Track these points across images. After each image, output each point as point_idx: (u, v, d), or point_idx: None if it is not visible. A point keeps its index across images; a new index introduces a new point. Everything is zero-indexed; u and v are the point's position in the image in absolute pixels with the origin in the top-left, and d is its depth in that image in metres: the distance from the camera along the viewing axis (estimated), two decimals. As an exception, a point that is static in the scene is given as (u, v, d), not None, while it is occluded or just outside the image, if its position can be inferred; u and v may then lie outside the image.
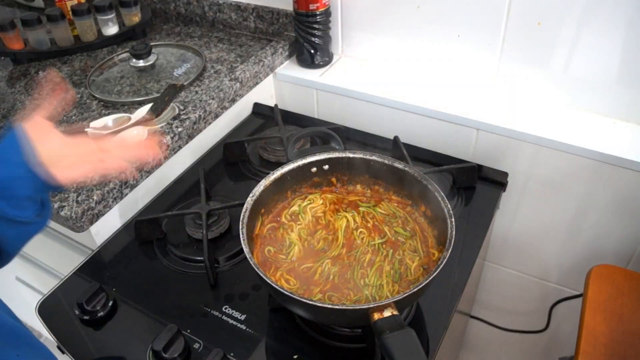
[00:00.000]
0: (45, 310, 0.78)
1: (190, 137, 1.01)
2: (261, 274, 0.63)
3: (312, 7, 1.08)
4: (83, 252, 0.98)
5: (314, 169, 0.83)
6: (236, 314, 0.75)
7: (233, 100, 1.10)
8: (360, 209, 0.81)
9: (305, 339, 0.73)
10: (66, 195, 0.84)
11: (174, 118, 1.00)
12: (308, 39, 1.14)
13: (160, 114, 1.02)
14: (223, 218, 0.88)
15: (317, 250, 0.76)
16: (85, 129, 0.99)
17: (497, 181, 0.97)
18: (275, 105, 1.14)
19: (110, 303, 0.77)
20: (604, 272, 0.90)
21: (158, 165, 0.95)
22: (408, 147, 0.99)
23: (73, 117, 1.06)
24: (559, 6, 0.89)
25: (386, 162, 0.80)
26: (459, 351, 1.51)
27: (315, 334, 0.73)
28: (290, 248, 0.76)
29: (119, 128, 0.98)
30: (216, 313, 0.76)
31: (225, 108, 1.09)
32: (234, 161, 1.05)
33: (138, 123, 0.99)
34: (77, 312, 0.75)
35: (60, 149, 0.58)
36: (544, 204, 1.04)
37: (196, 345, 0.71)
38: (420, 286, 0.61)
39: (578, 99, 0.98)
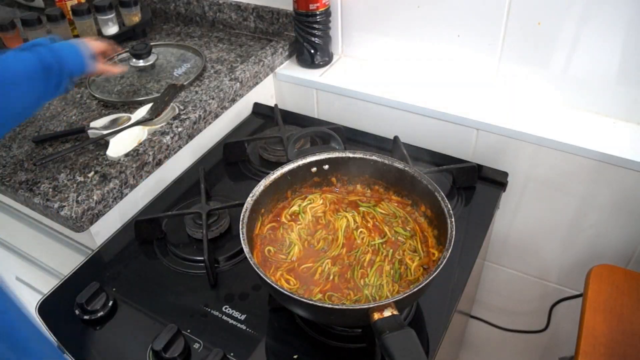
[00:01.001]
0: (45, 310, 0.78)
1: (190, 137, 1.01)
2: (261, 274, 0.63)
3: (312, 7, 1.08)
4: (83, 252, 0.98)
5: (314, 169, 0.83)
6: (236, 314, 0.75)
7: (233, 100, 1.10)
8: (360, 209, 0.81)
9: (305, 339, 0.73)
10: (66, 195, 0.84)
11: (174, 118, 1.00)
12: (308, 39, 1.14)
13: (160, 114, 1.02)
14: (223, 218, 0.88)
15: (317, 250, 0.76)
16: (86, 129, 0.99)
17: (497, 181, 0.97)
18: (275, 105, 1.14)
19: (110, 303, 0.77)
20: (604, 272, 0.90)
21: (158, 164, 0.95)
22: (408, 147, 0.99)
23: (73, 117, 1.06)
24: (559, 6, 0.89)
25: (386, 162, 0.80)
26: (459, 351, 1.51)
27: (315, 334, 0.73)
28: (290, 248, 0.76)
29: (119, 128, 0.98)
30: (216, 313, 0.76)
31: (225, 108, 1.09)
32: (234, 161, 1.05)
33: (138, 123, 0.99)
34: (77, 312, 0.75)
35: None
36: (544, 204, 1.04)
37: (196, 345, 0.71)
38: (421, 286, 0.61)
39: (578, 99, 0.98)
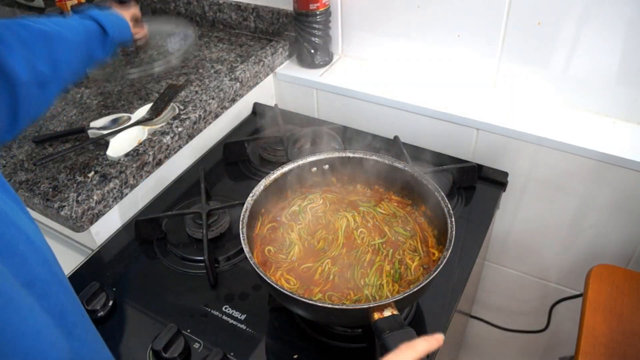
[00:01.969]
0: (45, 310, 0.78)
1: (190, 137, 1.01)
2: (261, 274, 0.63)
3: (312, 7, 1.08)
4: (83, 252, 0.98)
5: (314, 169, 0.83)
6: (236, 314, 0.75)
7: (233, 100, 1.10)
8: (361, 208, 0.81)
9: (305, 339, 0.73)
10: (66, 195, 0.84)
11: (174, 118, 1.00)
12: (308, 38, 1.14)
13: (160, 114, 1.02)
14: (223, 218, 0.88)
15: (317, 250, 0.76)
16: (86, 129, 0.99)
17: (497, 181, 0.97)
18: (275, 105, 1.14)
19: (110, 303, 0.77)
20: (604, 272, 0.90)
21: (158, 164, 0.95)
22: (408, 147, 0.99)
23: (73, 117, 1.06)
24: (559, 6, 0.89)
25: (386, 162, 0.80)
26: (459, 351, 1.51)
27: (315, 334, 0.73)
28: (291, 248, 0.76)
29: (119, 128, 0.98)
30: (216, 313, 0.76)
31: (225, 108, 1.09)
32: (234, 161, 1.05)
33: (138, 123, 0.99)
34: (77, 312, 0.75)
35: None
36: (544, 204, 1.04)
37: (196, 345, 0.71)
38: (421, 286, 0.61)
39: (578, 99, 0.98)
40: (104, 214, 0.87)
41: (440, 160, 0.99)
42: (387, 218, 0.80)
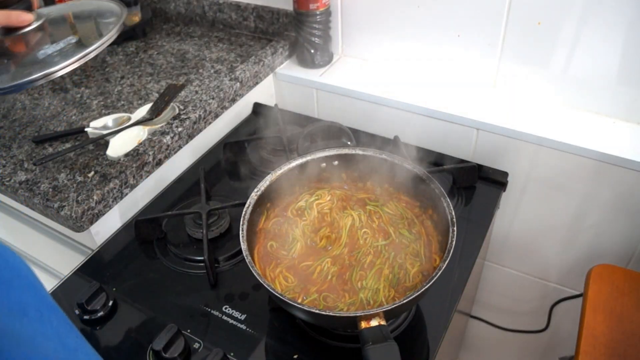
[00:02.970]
0: (45, 310, 0.78)
1: (190, 137, 1.01)
2: (256, 274, 0.63)
3: (312, 6, 1.08)
4: (83, 252, 0.98)
5: (323, 165, 0.82)
6: (236, 314, 0.75)
7: (233, 100, 1.10)
8: (368, 207, 0.80)
9: (306, 339, 0.73)
10: (66, 195, 0.84)
11: (174, 118, 1.00)
12: (308, 38, 1.14)
13: (160, 113, 1.02)
14: (223, 218, 0.88)
15: (319, 248, 0.76)
16: (86, 129, 0.99)
17: (497, 181, 0.97)
18: (275, 105, 1.14)
19: (110, 303, 0.77)
20: (604, 272, 0.90)
21: (158, 164, 0.95)
22: (408, 147, 0.99)
23: (73, 117, 1.06)
24: (559, 6, 0.89)
25: (396, 161, 0.79)
26: (459, 351, 1.51)
27: (315, 334, 0.73)
28: (293, 244, 0.76)
29: (119, 128, 0.98)
30: (216, 313, 0.76)
31: (225, 108, 1.09)
32: (234, 161, 1.05)
33: (138, 123, 0.99)
34: (77, 312, 0.75)
35: None
36: (544, 204, 1.04)
37: (196, 345, 0.71)
38: (411, 297, 0.61)
39: (578, 99, 0.98)
40: (104, 214, 0.87)
41: (440, 160, 0.99)
42: (393, 219, 0.79)
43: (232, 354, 0.70)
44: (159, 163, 0.95)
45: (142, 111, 1.03)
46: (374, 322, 0.59)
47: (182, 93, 1.08)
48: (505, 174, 0.97)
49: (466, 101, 1.03)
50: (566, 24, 0.90)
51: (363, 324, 0.59)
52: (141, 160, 0.91)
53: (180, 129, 0.97)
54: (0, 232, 1.21)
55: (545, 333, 1.20)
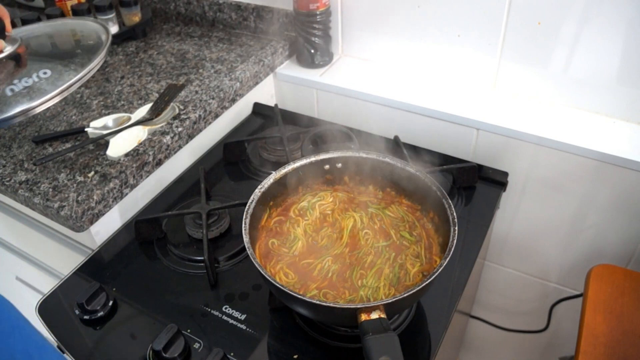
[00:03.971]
0: (46, 310, 0.78)
1: (190, 137, 1.01)
2: (257, 265, 0.63)
3: (312, 7, 1.08)
4: (83, 252, 0.98)
5: (326, 167, 0.83)
6: (236, 314, 0.75)
7: (233, 100, 1.10)
8: (369, 209, 0.81)
9: (306, 339, 0.73)
10: (66, 195, 0.84)
11: (174, 118, 1.00)
12: (308, 38, 1.14)
13: (160, 114, 1.02)
14: (223, 218, 0.88)
15: (320, 247, 0.76)
16: (86, 129, 0.99)
17: (497, 181, 0.97)
18: (276, 105, 1.14)
19: (110, 303, 0.77)
20: (604, 272, 0.90)
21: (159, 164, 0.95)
22: (408, 147, 0.99)
23: (73, 117, 1.06)
24: (559, 6, 0.89)
25: (398, 165, 0.79)
26: (459, 351, 1.51)
27: (315, 334, 0.73)
28: (294, 242, 0.76)
29: (119, 128, 0.98)
30: (216, 313, 0.76)
31: (225, 108, 1.09)
32: (234, 161, 1.05)
33: (138, 123, 0.99)
34: (77, 312, 0.75)
35: None
36: (544, 204, 1.04)
37: (196, 345, 0.71)
38: (412, 292, 0.61)
39: (578, 99, 0.98)
40: (104, 214, 0.87)
41: (440, 160, 0.99)
42: (394, 221, 0.79)
43: (232, 354, 0.70)
44: (159, 163, 0.95)
45: (142, 111, 1.03)
46: (374, 315, 0.59)
47: (182, 93, 1.08)
48: (505, 174, 0.97)
49: (466, 101, 1.03)
50: (566, 23, 0.90)
51: (363, 317, 0.59)
52: (141, 160, 0.91)
53: (180, 129, 0.97)
54: (1, 232, 1.21)
55: (545, 333, 1.20)
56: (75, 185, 0.87)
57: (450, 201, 0.71)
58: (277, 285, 0.62)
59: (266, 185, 0.76)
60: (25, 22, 1.21)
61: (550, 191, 1.02)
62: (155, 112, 1.01)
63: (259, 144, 1.06)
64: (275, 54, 1.18)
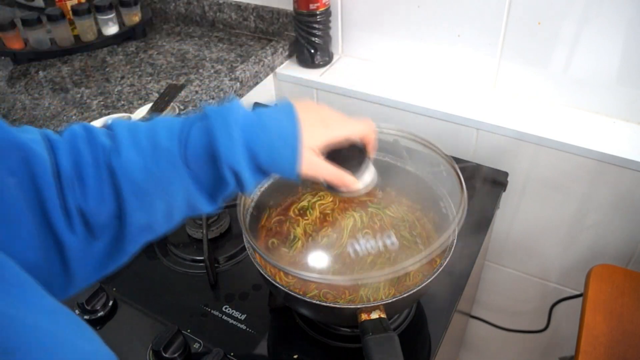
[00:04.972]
0: (45, 310, 0.78)
1: (190, 137, 1.01)
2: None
3: (312, 6, 1.08)
4: (83, 252, 0.97)
5: None
6: (236, 314, 0.75)
7: (233, 100, 1.10)
8: (369, 209, 0.81)
9: (306, 339, 0.73)
10: (66, 195, 0.84)
11: (174, 118, 1.00)
12: (308, 38, 1.14)
13: (161, 114, 1.02)
14: (223, 218, 0.88)
15: (320, 247, 0.76)
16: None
17: (497, 181, 0.97)
18: (275, 105, 1.14)
19: (110, 303, 0.77)
20: (604, 272, 0.90)
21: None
22: (408, 147, 0.99)
23: (73, 117, 1.06)
24: (559, 6, 0.89)
25: (398, 164, 0.79)
26: (459, 351, 1.51)
27: (315, 334, 0.73)
28: (294, 242, 0.76)
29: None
30: (216, 313, 0.76)
31: (225, 108, 1.09)
32: (234, 161, 1.05)
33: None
34: (77, 312, 0.75)
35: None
36: (544, 204, 1.04)
37: (196, 345, 0.71)
38: (412, 292, 0.61)
39: (578, 99, 0.98)
40: (104, 214, 0.87)
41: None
42: (394, 221, 0.79)
43: (232, 354, 0.70)
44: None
45: (142, 111, 1.03)
46: (374, 315, 0.59)
47: (182, 93, 1.08)
48: (505, 174, 0.97)
49: (466, 101, 1.03)
50: (566, 23, 0.90)
51: (363, 316, 0.59)
52: (141, 160, 0.91)
53: (180, 129, 0.97)
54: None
55: (545, 333, 1.20)
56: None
57: (450, 201, 0.71)
58: (277, 285, 0.62)
59: (265, 185, 0.76)
60: (25, 22, 1.21)
61: (550, 191, 1.02)
62: (155, 112, 1.01)
63: (259, 144, 1.06)
64: (275, 54, 1.18)
